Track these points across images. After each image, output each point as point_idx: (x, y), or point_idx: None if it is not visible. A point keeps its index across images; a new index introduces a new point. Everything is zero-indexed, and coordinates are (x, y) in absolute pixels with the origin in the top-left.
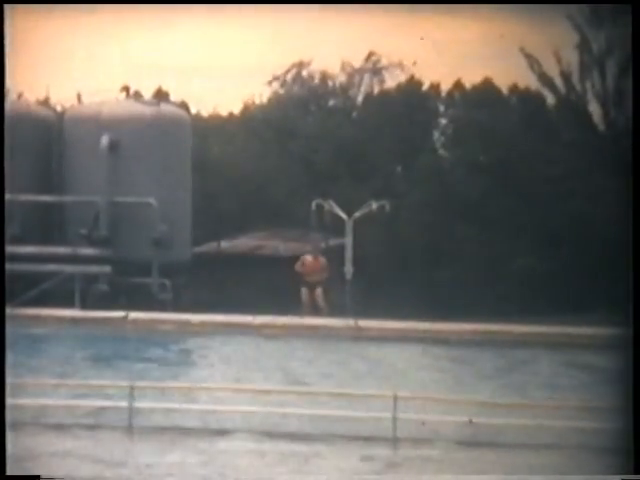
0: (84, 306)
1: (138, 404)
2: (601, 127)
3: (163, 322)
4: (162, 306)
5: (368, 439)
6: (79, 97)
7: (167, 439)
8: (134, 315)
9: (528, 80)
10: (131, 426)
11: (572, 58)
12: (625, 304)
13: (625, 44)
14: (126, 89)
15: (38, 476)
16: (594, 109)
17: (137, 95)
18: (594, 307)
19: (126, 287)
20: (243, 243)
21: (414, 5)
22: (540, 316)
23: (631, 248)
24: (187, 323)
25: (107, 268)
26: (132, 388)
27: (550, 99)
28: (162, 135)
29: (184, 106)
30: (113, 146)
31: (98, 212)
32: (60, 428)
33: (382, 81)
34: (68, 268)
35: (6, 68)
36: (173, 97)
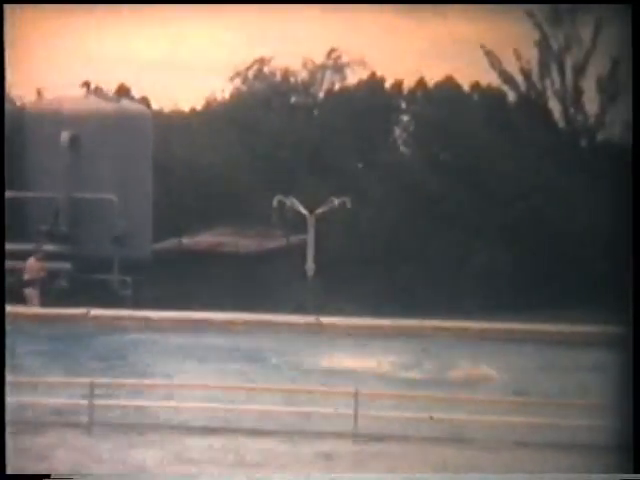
0: (44, 303)
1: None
2: (561, 124)
3: (124, 319)
4: (123, 303)
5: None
6: (40, 93)
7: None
8: (95, 312)
9: (489, 77)
10: (92, 423)
11: (532, 55)
12: (585, 299)
13: (583, 42)
14: (87, 85)
15: (49, 475)
16: (554, 106)
17: (98, 91)
18: (555, 303)
19: (86, 284)
20: (204, 240)
21: (376, 4)
22: (502, 312)
23: (631, 249)
24: (148, 320)
25: (67, 265)
26: (92, 385)
27: (511, 96)
28: (123, 131)
29: (145, 102)
30: (73, 142)
31: (58, 208)
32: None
33: (344, 78)
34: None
35: (6, 68)
36: (134, 93)
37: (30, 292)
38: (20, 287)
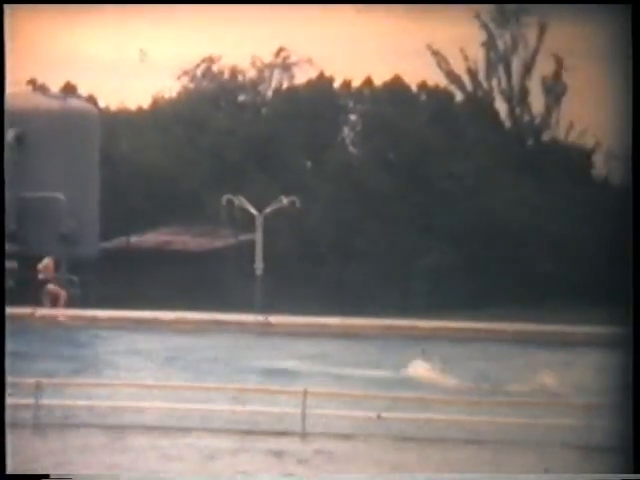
0: None
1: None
2: (507, 124)
3: (71, 318)
4: (70, 302)
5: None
6: None
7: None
8: (42, 311)
9: (437, 77)
10: (37, 424)
11: (479, 56)
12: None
13: (528, 43)
14: (33, 82)
15: (48, 475)
16: (500, 106)
17: (44, 88)
18: (501, 302)
19: (33, 283)
20: (152, 238)
21: (325, 4)
22: (451, 311)
23: (631, 249)
24: (95, 319)
25: (13, 264)
26: (38, 384)
27: (458, 96)
28: (70, 129)
29: (92, 100)
30: (19, 140)
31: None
32: None
33: (292, 77)
34: None
35: (6, 67)
36: (81, 91)
37: (57, 291)
38: (37, 288)
